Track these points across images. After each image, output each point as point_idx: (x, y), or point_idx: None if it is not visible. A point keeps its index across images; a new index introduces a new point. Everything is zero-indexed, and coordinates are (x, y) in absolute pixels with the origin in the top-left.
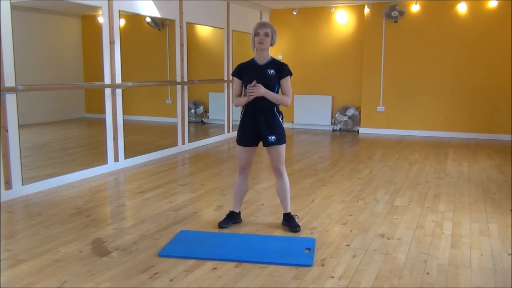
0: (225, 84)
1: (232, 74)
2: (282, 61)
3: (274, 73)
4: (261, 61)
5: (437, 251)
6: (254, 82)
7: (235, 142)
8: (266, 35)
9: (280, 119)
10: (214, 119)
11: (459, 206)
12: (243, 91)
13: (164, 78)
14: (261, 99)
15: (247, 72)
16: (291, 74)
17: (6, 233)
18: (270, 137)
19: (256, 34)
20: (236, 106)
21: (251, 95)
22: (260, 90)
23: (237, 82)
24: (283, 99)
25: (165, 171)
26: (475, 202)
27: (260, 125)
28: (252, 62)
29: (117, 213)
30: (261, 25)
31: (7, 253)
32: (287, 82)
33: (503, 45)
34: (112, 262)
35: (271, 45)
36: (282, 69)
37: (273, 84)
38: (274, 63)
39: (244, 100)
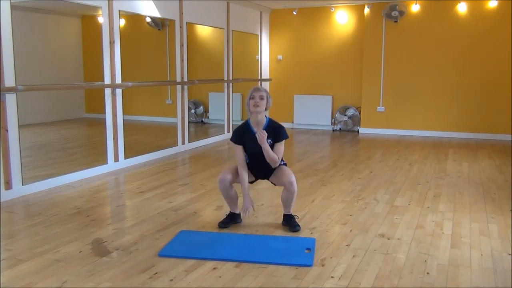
0: (225, 84)
1: (232, 141)
2: (278, 124)
3: (272, 142)
4: (258, 127)
5: (437, 251)
6: (261, 132)
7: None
8: (261, 98)
9: (281, 163)
10: (214, 119)
11: (459, 206)
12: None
13: (164, 78)
14: (262, 159)
15: (247, 140)
16: (286, 138)
17: (6, 233)
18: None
19: (251, 97)
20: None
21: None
22: (263, 139)
23: (239, 149)
24: (274, 159)
25: (165, 171)
26: (475, 202)
27: (262, 174)
28: (248, 128)
29: (117, 213)
30: (256, 89)
31: (7, 253)
32: (281, 145)
33: (503, 45)
34: (112, 262)
35: (266, 108)
36: (278, 134)
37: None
38: (270, 128)
39: (245, 188)
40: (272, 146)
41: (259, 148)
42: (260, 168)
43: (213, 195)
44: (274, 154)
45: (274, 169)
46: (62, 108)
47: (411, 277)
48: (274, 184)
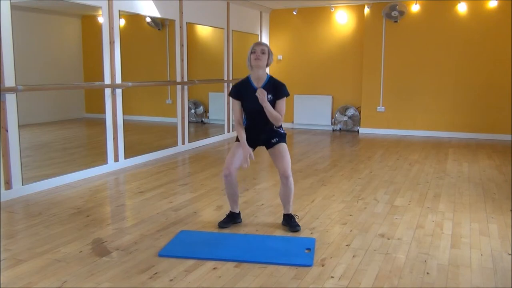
0: (225, 84)
1: (230, 96)
2: (279, 81)
3: (272, 97)
4: (258, 83)
5: (437, 251)
6: (261, 91)
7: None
8: (263, 52)
9: (281, 131)
10: (214, 119)
11: (459, 206)
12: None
13: (164, 78)
14: (262, 118)
15: (246, 95)
16: (287, 95)
17: (6, 233)
18: (273, 140)
19: (253, 51)
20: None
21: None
22: (264, 98)
23: (237, 104)
24: (276, 117)
25: (165, 171)
26: (475, 202)
27: (262, 139)
28: (248, 83)
29: (117, 213)
30: (258, 43)
31: (7, 253)
32: (282, 102)
33: (503, 45)
34: (112, 262)
35: (267, 64)
36: (279, 91)
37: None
38: (271, 84)
39: (242, 137)
40: (273, 104)
41: (259, 105)
42: (259, 132)
43: (213, 195)
44: (276, 112)
45: (274, 136)
46: (62, 108)
47: (411, 277)
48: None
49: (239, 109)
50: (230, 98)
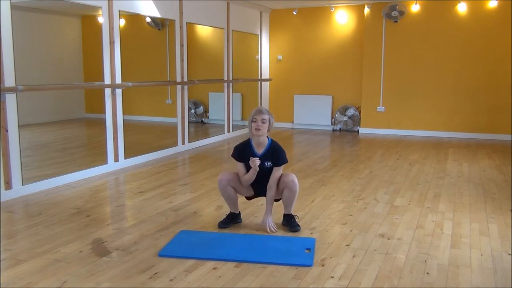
0: (225, 84)
1: (233, 157)
2: (280, 147)
3: (271, 164)
4: (259, 149)
5: (437, 251)
6: (253, 161)
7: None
8: (263, 121)
9: None
10: (214, 119)
11: (459, 206)
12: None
13: (164, 78)
14: (264, 177)
15: (247, 159)
16: (286, 163)
17: (6, 233)
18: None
19: (254, 120)
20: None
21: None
22: (268, 225)
23: (240, 165)
24: (273, 194)
25: (165, 171)
26: (475, 202)
27: (264, 191)
28: (250, 148)
29: (117, 213)
30: (259, 111)
31: (7, 253)
32: (279, 170)
33: (503, 45)
34: (112, 262)
35: (268, 130)
36: (278, 159)
37: (269, 174)
38: (271, 150)
39: (251, 174)
40: (271, 169)
41: (259, 169)
42: (261, 183)
43: (213, 195)
44: (272, 197)
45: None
46: (62, 108)
47: (411, 277)
48: (277, 200)
49: (244, 168)
50: (233, 159)
